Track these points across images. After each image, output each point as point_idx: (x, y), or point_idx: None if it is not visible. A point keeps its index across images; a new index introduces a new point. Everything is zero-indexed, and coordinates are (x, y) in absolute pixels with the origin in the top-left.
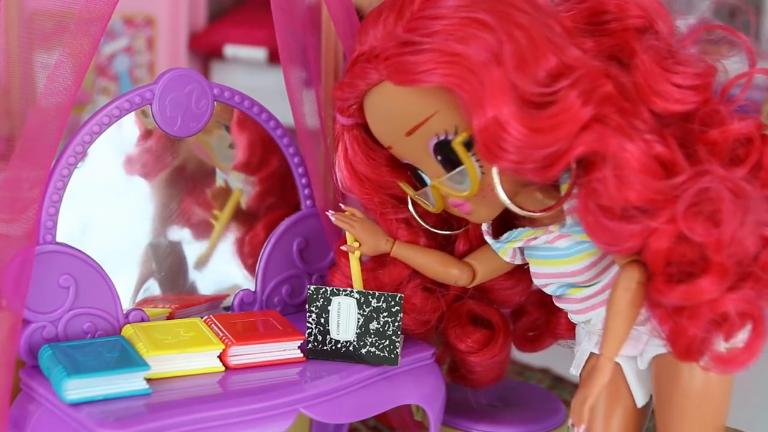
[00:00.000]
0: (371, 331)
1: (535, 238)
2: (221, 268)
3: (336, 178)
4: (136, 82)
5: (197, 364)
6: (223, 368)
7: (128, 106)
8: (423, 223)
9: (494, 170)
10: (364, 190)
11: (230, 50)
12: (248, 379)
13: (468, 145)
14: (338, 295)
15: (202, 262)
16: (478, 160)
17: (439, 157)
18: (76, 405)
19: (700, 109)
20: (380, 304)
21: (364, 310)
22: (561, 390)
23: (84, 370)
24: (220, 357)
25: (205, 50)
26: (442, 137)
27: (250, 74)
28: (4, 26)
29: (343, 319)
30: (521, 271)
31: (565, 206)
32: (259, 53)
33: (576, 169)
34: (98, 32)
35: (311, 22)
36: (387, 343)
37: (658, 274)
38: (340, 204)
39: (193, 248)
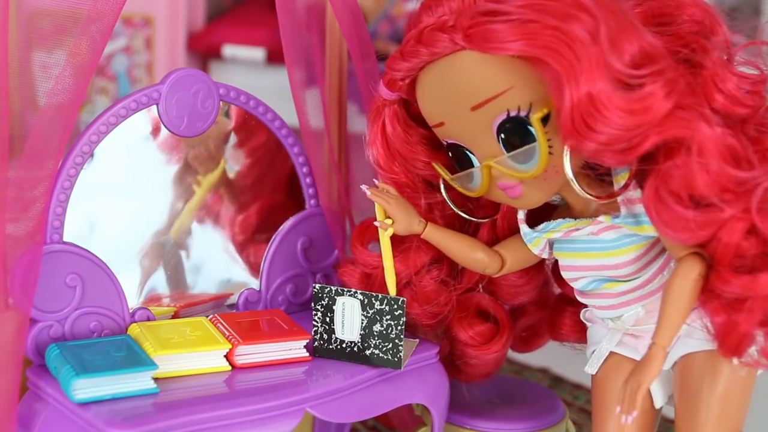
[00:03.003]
0: (375, 333)
1: (578, 230)
2: (226, 267)
3: (339, 176)
4: (135, 82)
5: (204, 364)
6: (230, 367)
7: (135, 106)
8: (455, 209)
9: (566, 149)
10: (394, 169)
11: (229, 50)
12: (255, 378)
13: (543, 122)
14: (342, 295)
15: (188, 234)
16: (548, 140)
17: (502, 135)
18: (85, 404)
19: (754, 114)
20: (383, 306)
21: (368, 312)
22: (560, 389)
23: (92, 369)
24: (226, 356)
25: (203, 50)
26: (513, 113)
27: (249, 74)
28: (4, 26)
29: (348, 319)
30: (535, 270)
31: (620, 197)
32: (258, 53)
33: (637, 160)
34: (106, 32)
35: (316, 21)
36: (390, 346)
37: (725, 265)
38: (374, 179)
39: (198, 247)
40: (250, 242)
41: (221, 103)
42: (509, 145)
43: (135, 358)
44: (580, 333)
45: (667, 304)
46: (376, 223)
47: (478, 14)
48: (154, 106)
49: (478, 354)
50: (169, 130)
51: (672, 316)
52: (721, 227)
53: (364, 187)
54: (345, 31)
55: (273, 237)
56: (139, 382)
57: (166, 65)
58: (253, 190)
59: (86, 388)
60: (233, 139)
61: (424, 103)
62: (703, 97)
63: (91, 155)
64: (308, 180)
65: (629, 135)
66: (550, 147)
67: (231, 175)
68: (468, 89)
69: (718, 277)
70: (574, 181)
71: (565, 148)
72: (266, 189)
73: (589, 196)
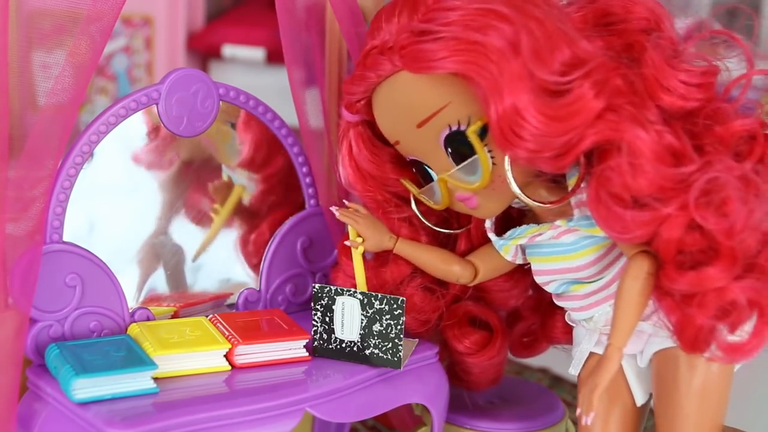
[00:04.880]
0: (374, 332)
1: (540, 234)
2: (225, 267)
3: (339, 176)
4: (135, 81)
5: (204, 363)
6: (230, 367)
7: (135, 106)
8: (426, 222)
9: (506, 159)
10: (368, 188)
11: (228, 50)
12: (254, 378)
13: (481, 135)
14: (342, 294)
15: (202, 257)
16: (490, 151)
17: (449, 149)
18: (84, 404)
19: (704, 107)
20: (383, 306)
21: (368, 312)
22: (560, 389)
23: (92, 369)
24: (226, 356)
25: (203, 50)
26: (454, 128)
27: (249, 74)
28: (4, 26)
29: (347, 319)
30: (520, 273)
31: (573, 200)
32: (258, 53)
33: (585, 162)
34: (106, 32)
35: (316, 21)
36: (390, 345)
37: (669, 262)
38: (344, 200)
39: (197, 246)
40: (250, 243)
41: (228, 109)
42: (459, 158)
43: (135, 358)
44: (570, 335)
45: (619, 305)
46: (346, 243)
47: (412, 35)
48: (154, 106)
49: (476, 362)
50: (169, 130)
51: (624, 317)
52: (661, 224)
53: (333, 208)
54: (344, 30)
55: (273, 237)
56: (138, 381)
57: (165, 65)
58: (266, 212)
59: (86, 387)
60: (250, 164)
61: (380, 123)
62: (646, 95)
63: (91, 155)
64: (308, 180)
65: (559, 141)
66: (492, 158)
67: (247, 202)
68: (411, 107)
69: (665, 274)
70: (518, 189)
71: (506, 157)
72: (278, 210)
73: (534, 203)
